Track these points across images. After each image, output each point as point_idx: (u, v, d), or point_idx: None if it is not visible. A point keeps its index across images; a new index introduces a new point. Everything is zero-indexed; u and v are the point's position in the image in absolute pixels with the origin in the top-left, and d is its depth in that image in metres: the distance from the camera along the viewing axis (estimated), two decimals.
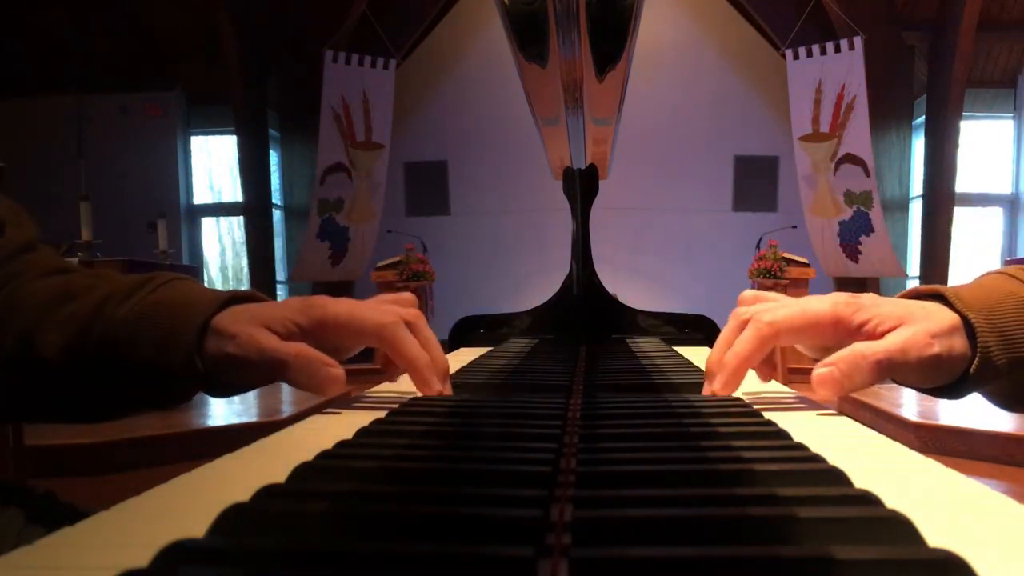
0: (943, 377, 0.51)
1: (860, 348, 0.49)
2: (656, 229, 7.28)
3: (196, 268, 6.83)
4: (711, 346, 0.56)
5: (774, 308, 0.54)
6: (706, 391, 0.54)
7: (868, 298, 0.53)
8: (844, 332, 0.51)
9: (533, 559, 0.20)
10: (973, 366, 0.49)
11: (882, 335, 0.50)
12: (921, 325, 0.50)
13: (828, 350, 0.52)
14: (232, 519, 0.24)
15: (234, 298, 0.54)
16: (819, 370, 0.49)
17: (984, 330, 0.50)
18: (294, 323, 0.52)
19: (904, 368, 0.49)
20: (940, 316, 0.51)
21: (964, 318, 0.50)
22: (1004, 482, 2.73)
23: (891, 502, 0.25)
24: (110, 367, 0.51)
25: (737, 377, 0.53)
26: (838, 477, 0.28)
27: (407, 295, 0.58)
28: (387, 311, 0.54)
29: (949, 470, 0.33)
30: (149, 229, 5.05)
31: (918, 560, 0.19)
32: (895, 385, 0.53)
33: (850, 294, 0.54)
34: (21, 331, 0.53)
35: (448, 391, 0.55)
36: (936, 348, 0.49)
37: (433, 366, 0.54)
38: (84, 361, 0.51)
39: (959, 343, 0.50)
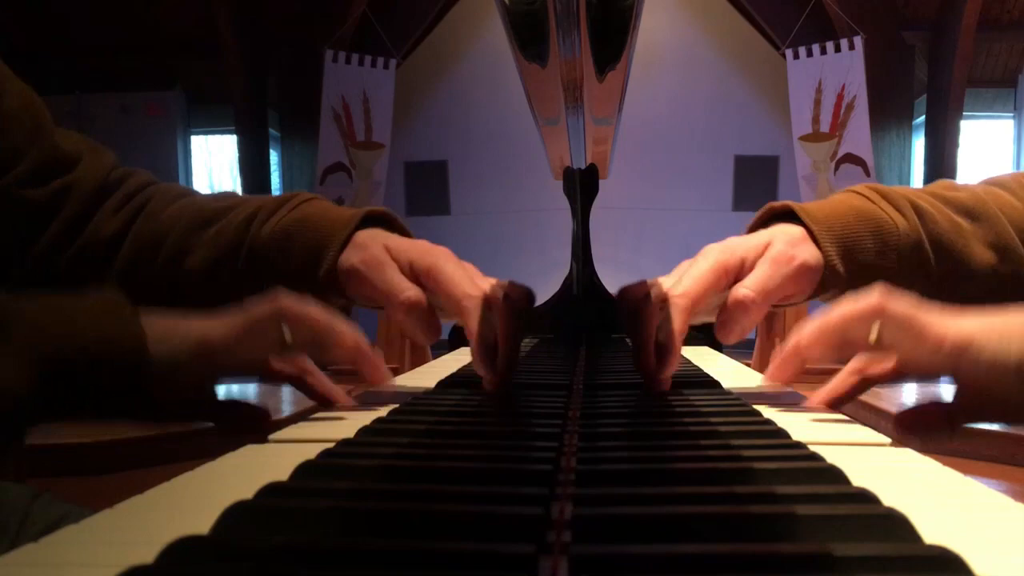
0: (812, 286, 0.55)
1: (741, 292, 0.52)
2: (656, 229, 7.27)
3: None
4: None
5: (677, 281, 0.54)
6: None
7: (734, 239, 0.57)
8: (733, 280, 0.54)
9: (534, 556, 0.20)
10: (821, 275, 0.54)
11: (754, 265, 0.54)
12: (780, 242, 0.54)
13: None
14: (236, 516, 0.24)
15: (370, 215, 0.58)
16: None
17: (825, 240, 0.54)
18: (408, 260, 0.54)
19: (782, 286, 0.53)
20: (792, 231, 0.56)
21: (809, 230, 0.55)
22: (1004, 482, 2.72)
23: (889, 500, 0.25)
24: (256, 281, 0.53)
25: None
26: (836, 475, 0.28)
27: (496, 281, 0.57)
28: (477, 285, 0.54)
29: (948, 469, 0.33)
30: None
31: (914, 556, 0.19)
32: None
33: (721, 243, 0.57)
34: (170, 252, 0.57)
35: (502, 374, 0.51)
36: (798, 258, 0.53)
37: (492, 355, 0.50)
38: (230, 276, 0.56)
39: (813, 252, 0.54)
